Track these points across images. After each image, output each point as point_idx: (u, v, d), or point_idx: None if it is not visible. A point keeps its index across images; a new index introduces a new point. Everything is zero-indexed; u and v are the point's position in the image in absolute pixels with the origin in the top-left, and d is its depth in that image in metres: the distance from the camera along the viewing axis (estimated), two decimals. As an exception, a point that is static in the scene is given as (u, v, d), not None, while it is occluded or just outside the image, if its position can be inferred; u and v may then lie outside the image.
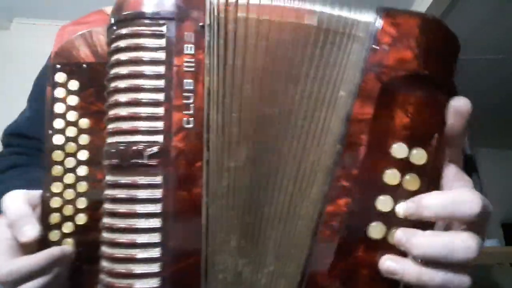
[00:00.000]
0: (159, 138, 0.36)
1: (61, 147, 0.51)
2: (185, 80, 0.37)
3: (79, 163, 0.51)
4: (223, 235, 0.37)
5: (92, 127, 0.51)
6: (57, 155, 0.51)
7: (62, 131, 0.51)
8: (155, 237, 0.35)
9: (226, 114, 0.37)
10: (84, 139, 0.51)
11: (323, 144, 0.38)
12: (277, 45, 0.38)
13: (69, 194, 0.50)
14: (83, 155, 0.51)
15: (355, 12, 0.38)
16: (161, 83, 0.37)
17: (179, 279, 0.35)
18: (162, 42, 0.37)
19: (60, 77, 0.52)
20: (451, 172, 0.36)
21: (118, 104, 0.37)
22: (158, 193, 0.35)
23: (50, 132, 0.51)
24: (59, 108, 0.52)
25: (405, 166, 0.35)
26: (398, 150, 0.35)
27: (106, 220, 0.37)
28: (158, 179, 0.35)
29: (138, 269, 0.35)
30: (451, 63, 0.37)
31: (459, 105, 0.35)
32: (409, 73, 0.35)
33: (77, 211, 0.50)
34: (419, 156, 0.35)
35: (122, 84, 0.37)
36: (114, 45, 0.38)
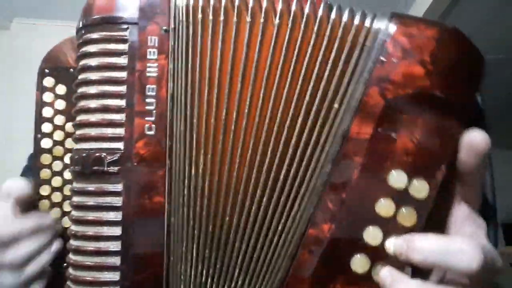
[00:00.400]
0: (120, 145, 0.35)
1: (49, 151, 0.52)
2: (147, 86, 0.36)
3: (66, 166, 0.52)
4: (185, 244, 0.36)
5: (78, 132, 0.52)
6: (45, 158, 0.52)
7: (50, 135, 0.52)
8: (116, 245, 0.35)
9: (189, 121, 0.36)
10: (70, 143, 0.52)
11: (312, 160, 0.34)
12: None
13: (57, 196, 0.51)
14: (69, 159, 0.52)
15: (364, 15, 0.34)
16: (123, 88, 0.36)
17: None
18: (125, 47, 0.36)
19: (48, 81, 0.53)
20: (462, 214, 0.31)
21: (83, 110, 0.37)
22: (118, 201, 0.35)
23: (39, 136, 0.52)
24: (47, 112, 0.52)
25: (402, 197, 0.31)
26: (397, 178, 0.31)
27: (73, 227, 0.37)
28: (119, 187, 0.35)
29: (102, 277, 0.35)
30: (472, 84, 0.32)
31: (474, 140, 0.29)
32: (419, 91, 0.31)
33: (64, 214, 0.51)
34: (419, 188, 0.30)
35: (87, 89, 0.37)
36: (81, 49, 0.38)
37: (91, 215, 0.35)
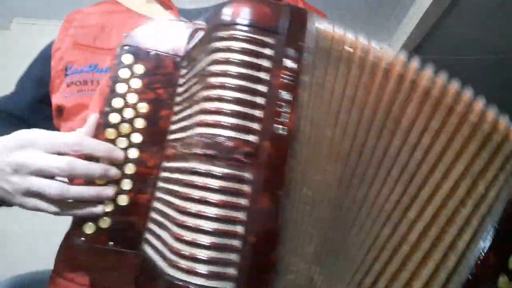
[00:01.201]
0: (254, 138, 0.39)
1: (115, 126, 0.51)
2: (284, 92, 0.40)
3: (131, 145, 0.52)
4: (301, 240, 0.40)
5: (150, 113, 0.53)
6: (110, 133, 0.51)
7: (119, 111, 0.52)
8: (240, 229, 0.37)
9: (317, 130, 0.41)
10: (140, 123, 0.52)
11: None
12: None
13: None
14: (137, 138, 0.52)
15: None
16: (262, 88, 0.40)
17: (254, 270, 0.37)
18: (268, 51, 0.40)
19: (127, 58, 0.53)
20: None
21: (220, 99, 0.39)
22: (247, 189, 0.38)
23: (108, 109, 0.51)
24: (121, 88, 0.52)
25: None
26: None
27: (186, 204, 0.38)
28: (248, 176, 0.38)
29: (222, 257, 0.37)
30: None
31: None
32: None
33: (120, 191, 0.51)
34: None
35: (225, 80, 0.39)
36: (222, 44, 0.41)
37: (214, 198, 0.37)
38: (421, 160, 0.39)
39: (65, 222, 0.68)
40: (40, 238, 1.93)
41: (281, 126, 0.39)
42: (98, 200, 0.48)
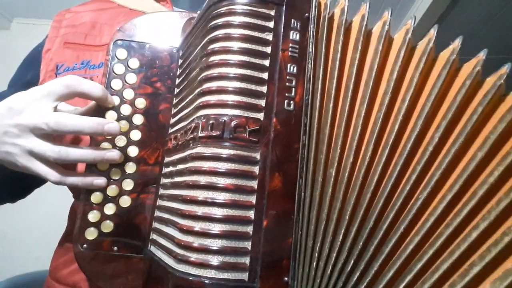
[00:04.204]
0: (260, 115, 0.36)
1: (113, 124, 0.49)
2: (289, 64, 0.37)
3: (131, 143, 0.49)
4: (324, 224, 0.36)
5: (149, 108, 0.50)
6: (108, 131, 0.48)
7: (116, 108, 0.49)
8: (251, 214, 0.34)
9: (326, 101, 0.38)
10: (138, 119, 0.49)
11: None
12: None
13: (116, 173, 0.48)
14: (136, 135, 0.49)
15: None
16: (266, 62, 0.37)
17: (269, 256, 0.34)
18: (270, 24, 0.38)
19: (121, 53, 0.51)
20: None
21: (222, 77, 0.36)
22: (255, 170, 0.35)
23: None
24: (116, 84, 0.50)
25: None
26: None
27: (194, 193, 0.35)
28: (256, 156, 0.35)
29: (233, 244, 0.34)
30: None
31: None
32: None
33: (122, 192, 0.48)
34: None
35: (226, 57, 0.37)
36: (221, 20, 0.38)
37: (223, 182, 0.34)
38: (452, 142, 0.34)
39: (64, 224, 0.65)
40: (40, 238, 1.90)
41: (286, 102, 0.36)
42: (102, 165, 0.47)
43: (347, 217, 0.36)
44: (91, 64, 0.59)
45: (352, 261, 0.36)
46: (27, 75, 0.64)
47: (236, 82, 0.36)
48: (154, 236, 0.45)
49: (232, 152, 0.35)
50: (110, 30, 0.62)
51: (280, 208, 0.35)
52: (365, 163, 0.37)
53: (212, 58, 0.38)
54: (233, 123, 0.35)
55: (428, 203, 0.34)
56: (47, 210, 1.92)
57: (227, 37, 0.37)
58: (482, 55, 0.36)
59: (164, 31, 0.53)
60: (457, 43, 0.37)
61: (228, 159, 0.35)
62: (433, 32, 0.39)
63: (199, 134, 0.36)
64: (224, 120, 0.35)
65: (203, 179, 0.35)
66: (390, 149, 0.36)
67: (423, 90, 0.38)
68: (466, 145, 0.34)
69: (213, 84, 0.37)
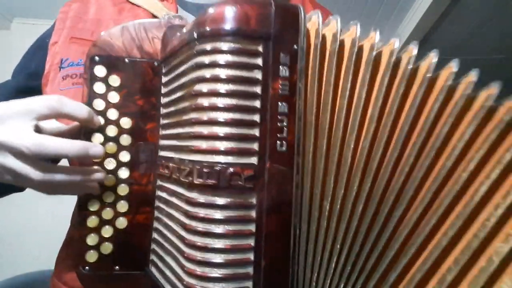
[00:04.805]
0: (254, 160, 0.36)
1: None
2: (279, 103, 0.37)
3: (120, 164, 0.48)
4: (322, 255, 0.39)
5: (134, 128, 0.49)
6: (96, 155, 0.48)
7: (101, 130, 0.48)
8: (250, 256, 0.36)
9: (323, 139, 0.38)
10: (125, 139, 0.49)
11: None
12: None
13: (109, 196, 0.48)
14: (125, 157, 0.48)
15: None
16: (256, 103, 0.36)
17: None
18: (258, 61, 0.36)
19: (99, 71, 0.48)
20: None
21: (212, 123, 0.36)
22: (252, 214, 0.36)
23: (89, 129, 0.47)
24: (98, 105, 0.48)
25: None
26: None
27: (194, 238, 0.37)
28: (252, 201, 0.36)
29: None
30: None
31: None
32: None
33: (118, 214, 0.48)
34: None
35: (216, 101, 0.36)
36: (204, 59, 0.36)
37: (223, 228, 0.36)
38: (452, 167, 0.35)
39: (65, 223, 0.67)
40: (40, 238, 1.95)
41: (279, 143, 0.37)
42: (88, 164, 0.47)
43: (338, 247, 0.39)
44: None
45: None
46: (32, 65, 0.63)
47: (227, 127, 0.36)
48: (153, 258, 0.47)
49: (228, 200, 0.35)
50: (115, 25, 0.60)
51: (277, 247, 0.37)
52: (353, 193, 0.38)
53: (200, 101, 0.37)
54: (228, 172, 0.35)
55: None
56: (47, 210, 1.94)
57: (215, 79, 0.36)
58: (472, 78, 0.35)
59: (142, 42, 0.50)
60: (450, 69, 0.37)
61: (225, 207, 0.35)
62: (413, 49, 0.38)
63: (195, 181, 0.36)
64: (219, 169, 0.35)
65: (201, 226, 0.36)
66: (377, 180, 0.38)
67: (403, 110, 0.38)
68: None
69: (204, 130, 0.36)
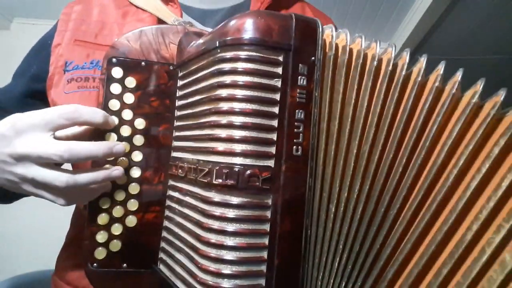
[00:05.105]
0: (271, 163, 0.38)
1: (113, 146, 0.49)
2: (297, 110, 0.39)
3: (133, 164, 0.50)
4: (328, 256, 0.40)
5: (148, 129, 0.50)
6: (109, 154, 0.49)
7: (115, 130, 0.49)
8: (264, 255, 0.37)
9: (332, 145, 0.40)
10: (139, 140, 0.50)
11: None
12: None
13: (120, 194, 0.49)
14: (137, 156, 0.50)
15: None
16: (275, 109, 0.38)
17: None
18: (279, 70, 0.38)
19: (116, 72, 0.50)
20: None
21: (232, 126, 0.37)
22: (267, 214, 0.38)
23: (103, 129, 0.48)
24: (113, 105, 0.49)
25: None
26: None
27: (209, 236, 0.38)
28: (268, 202, 0.38)
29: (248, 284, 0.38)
30: None
31: None
32: None
33: (128, 213, 0.49)
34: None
35: (232, 105, 0.38)
36: (226, 66, 0.38)
37: (237, 227, 0.37)
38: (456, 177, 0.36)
39: (64, 223, 0.67)
40: (40, 238, 1.94)
41: (295, 148, 0.39)
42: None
43: (340, 247, 0.41)
44: (100, 65, 0.58)
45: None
46: (33, 67, 0.62)
47: (247, 131, 0.37)
48: (162, 256, 0.48)
49: (245, 200, 0.37)
50: (119, 29, 0.61)
51: (290, 247, 0.39)
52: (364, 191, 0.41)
53: (221, 105, 0.38)
54: (246, 173, 0.37)
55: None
56: (47, 210, 1.90)
57: (236, 85, 0.38)
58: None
59: (159, 46, 0.51)
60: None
61: (241, 206, 0.37)
62: (406, 56, 0.41)
63: (213, 181, 0.38)
64: (238, 170, 0.37)
65: (217, 224, 0.38)
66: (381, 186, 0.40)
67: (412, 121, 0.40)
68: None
69: (224, 132, 0.38)
